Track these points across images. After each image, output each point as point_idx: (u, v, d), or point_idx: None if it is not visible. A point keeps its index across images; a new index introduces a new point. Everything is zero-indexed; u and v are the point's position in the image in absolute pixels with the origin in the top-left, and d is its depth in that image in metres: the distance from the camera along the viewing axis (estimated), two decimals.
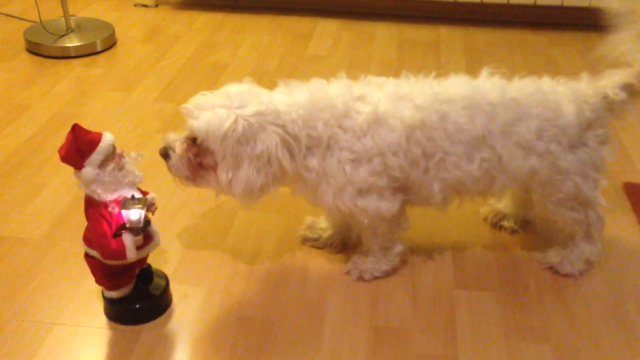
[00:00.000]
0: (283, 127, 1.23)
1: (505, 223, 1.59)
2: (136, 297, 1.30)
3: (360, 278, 1.41)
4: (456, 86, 1.32)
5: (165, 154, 1.29)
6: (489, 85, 1.32)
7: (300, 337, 1.28)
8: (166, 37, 2.69)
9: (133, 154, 1.23)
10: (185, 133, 1.26)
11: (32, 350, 1.24)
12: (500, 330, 1.30)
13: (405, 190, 1.33)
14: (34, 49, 2.50)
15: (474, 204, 1.62)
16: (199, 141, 1.23)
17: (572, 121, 1.31)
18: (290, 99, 1.27)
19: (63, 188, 1.71)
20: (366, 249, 1.42)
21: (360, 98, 1.28)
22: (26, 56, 2.49)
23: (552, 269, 1.46)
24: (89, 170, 1.17)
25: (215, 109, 1.21)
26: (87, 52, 2.50)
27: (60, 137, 1.93)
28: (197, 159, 1.26)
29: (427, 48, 2.64)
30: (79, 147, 1.15)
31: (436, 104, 1.28)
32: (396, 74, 1.36)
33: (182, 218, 1.62)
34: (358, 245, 1.50)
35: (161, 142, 1.30)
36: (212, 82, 2.32)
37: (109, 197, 1.19)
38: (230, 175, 1.22)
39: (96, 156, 1.17)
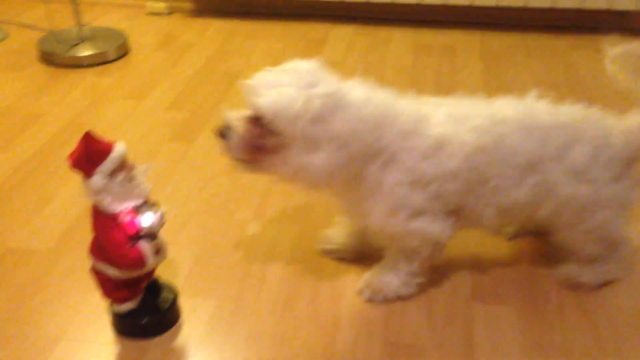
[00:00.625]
0: (350, 121, 1.15)
1: (506, 227, 1.54)
2: (144, 311, 1.26)
3: (372, 299, 1.35)
4: (509, 107, 1.28)
5: (223, 133, 1.18)
6: (542, 107, 1.28)
7: (313, 353, 1.24)
8: (179, 45, 2.67)
9: (143, 167, 1.20)
10: (247, 112, 1.16)
11: None
12: (520, 347, 1.25)
13: (458, 214, 1.28)
14: (47, 59, 2.49)
15: None
16: (264, 121, 1.13)
17: (620, 152, 1.26)
18: (365, 94, 1.19)
19: (72, 199, 1.69)
20: (388, 268, 1.35)
21: (424, 118, 1.23)
22: (39, 66, 2.48)
23: (573, 286, 1.40)
24: (98, 179, 1.14)
25: (283, 87, 1.12)
26: (99, 61, 2.49)
27: (71, 146, 1.90)
28: (259, 141, 1.17)
29: (443, 53, 2.59)
30: (89, 155, 1.12)
31: (492, 126, 1.24)
32: (411, 80, 1.32)
33: (191, 229, 1.58)
34: (374, 257, 1.45)
35: (219, 120, 1.19)
36: (225, 90, 2.29)
37: (117, 207, 1.16)
38: (304, 158, 1.15)
39: (107, 165, 1.13)
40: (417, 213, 1.23)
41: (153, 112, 2.15)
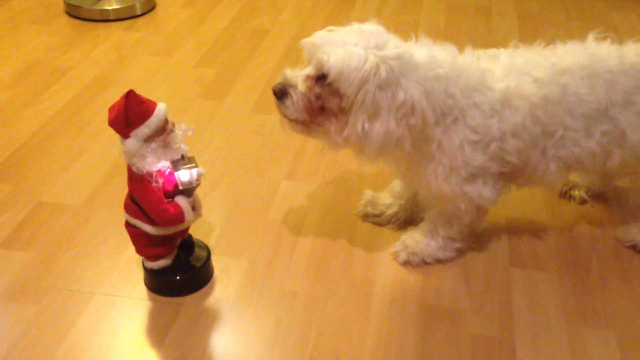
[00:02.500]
0: (422, 84, 1.09)
1: (576, 192, 1.49)
2: (177, 269, 1.25)
3: (408, 262, 1.32)
4: (571, 54, 1.21)
5: (282, 91, 1.12)
6: (605, 52, 1.22)
7: (347, 314, 1.22)
8: (206, 1, 2.61)
9: (184, 126, 1.16)
10: (309, 69, 1.10)
11: (72, 319, 1.21)
12: (561, 314, 1.22)
13: (514, 174, 1.24)
14: (73, 12, 2.45)
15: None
16: (329, 80, 1.07)
17: None
18: (430, 54, 1.13)
19: (102, 154, 1.67)
20: (427, 231, 1.32)
21: (486, 72, 1.17)
22: (65, 19, 2.45)
23: (635, 249, 1.36)
24: (132, 142, 1.10)
25: (349, 46, 1.07)
26: (126, 16, 2.44)
27: (99, 101, 1.88)
28: (319, 102, 1.11)
29: (478, 13, 2.50)
30: (129, 115, 1.09)
31: (555, 75, 1.18)
32: (445, 40, 1.26)
33: (224, 188, 1.56)
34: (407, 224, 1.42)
35: (278, 78, 1.14)
36: (253, 48, 2.24)
37: (151, 169, 1.13)
38: (366, 125, 1.08)
39: (144, 130, 1.09)
40: (475, 174, 1.19)
41: (181, 69, 2.11)
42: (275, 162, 1.65)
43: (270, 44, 2.27)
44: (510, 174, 1.24)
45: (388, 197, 1.43)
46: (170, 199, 1.14)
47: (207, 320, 1.21)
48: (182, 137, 1.17)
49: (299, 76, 1.13)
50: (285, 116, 1.16)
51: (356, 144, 1.12)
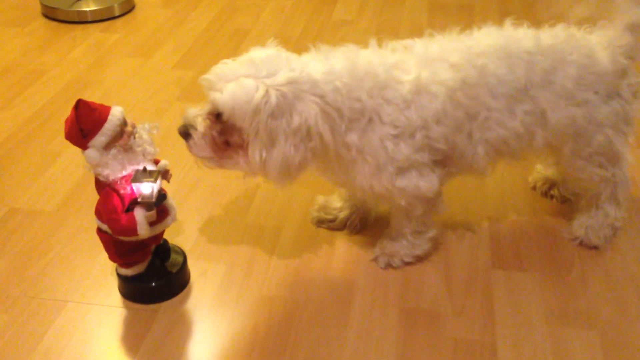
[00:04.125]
0: (322, 97, 1.09)
1: (555, 191, 1.48)
2: (152, 275, 1.22)
3: (389, 265, 1.31)
4: (487, 37, 1.22)
5: (185, 132, 1.14)
6: (521, 34, 1.23)
7: (327, 319, 1.20)
8: (186, 1, 2.58)
9: (147, 126, 1.13)
10: (207, 107, 1.12)
11: (44, 328, 1.17)
12: (542, 315, 1.20)
13: (445, 162, 1.22)
14: (50, 14, 2.41)
15: (510, 172, 1.52)
16: (224, 117, 1.09)
17: (608, 68, 1.22)
18: (327, 66, 1.12)
19: (77, 158, 1.62)
20: (395, 232, 1.31)
21: (396, 65, 1.16)
22: (42, 21, 2.40)
23: (581, 244, 1.36)
24: (91, 153, 1.07)
25: (241, 79, 1.07)
26: (104, 17, 2.41)
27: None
28: (222, 137, 1.12)
29: (460, 12, 2.49)
30: (82, 126, 1.06)
31: (472, 58, 1.17)
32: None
33: (201, 191, 1.53)
34: (379, 225, 1.40)
35: (180, 120, 1.15)
36: (234, 48, 2.21)
37: (116, 176, 1.10)
38: (264, 154, 1.08)
39: (100, 138, 1.07)
40: (404, 169, 1.17)
41: (160, 70, 2.08)
42: None
43: (252, 44, 2.20)
44: (442, 162, 1.23)
45: (338, 200, 1.42)
46: (129, 209, 1.10)
47: (184, 327, 1.19)
48: (151, 138, 1.15)
49: (199, 115, 1.13)
50: (194, 155, 1.16)
51: (260, 172, 1.12)
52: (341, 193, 1.42)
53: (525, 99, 1.20)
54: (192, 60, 2.14)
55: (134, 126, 1.11)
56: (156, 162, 1.16)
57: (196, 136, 1.13)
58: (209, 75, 1.10)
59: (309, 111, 1.07)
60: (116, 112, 1.08)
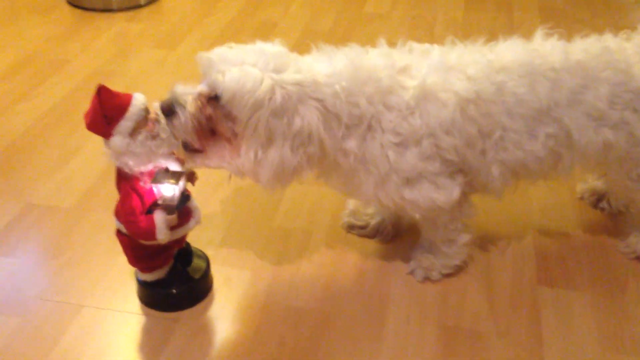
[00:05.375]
0: (322, 101, 1.01)
1: (605, 204, 1.38)
2: (173, 281, 1.14)
3: (427, 278, 1.22)
4: (511, 51, 1.11)
5: (169, 109, 1.00)
6: (549, 48, 1.11)
7: (359, 333, 1.11)
8: None
9: None
10: (202, 88, 1.00)
11: (57, 334, 1.10)
12: (595, 339, 1.10)
13: (464, 172, 1.12)
14: (75, 1, 2.35)
15: (557, 182, 1.41)
16: (222, 101, 0.98)
17: None
18: (330, 67, 1.03)
19: (98, 152, 1.55)
20: (427, 242, 1.22)
21: (404, 70, 1.07)
22: (67, 8, 2.34)
23: (639, 259, 1.25)
24: (118, 139, 1.00)
25: (246, 66, 0.98)
26: (129, 5, 2.34)
27: None
28: (211, 124, 1.01)
29: (498, 7, 2.38)
30: (105, 112, 0.99)
31: (491, 73, 1.08)
32: (463, 37, 1.15)
33: (226, 192, 1.45)
34: (412, 233, 1.31)
35: (166, 93, 1.03)
36: (260, 41, 2.12)
37: (142, 168, 1.03)
38: (260, 154, 1.00)
39: (125, 123, 1.00)
40: (413, 179, 1.08)
41: (185, 62, 2.00)
42: None
43: (279, 37, 2.15)
44: (461, 171, 1.13)
45: (369, 206, 1.33)
46: (149, 212, 1.03)
47: (205, 337, 1.11)
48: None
49: (189, 94, 1.01)
50: (174, 136, 1.04)
51: (251, 173, 1.03)
52: None
53: (547, 120, 1.10)
54: None
55: (157, 114, 1.04)
56: (182, 161, 1.08)
57: (183, 116, 0.99)
58: (211, 55, 1.00)
59: (311, 116, 0.99)
60: (139, 97, 1.02)
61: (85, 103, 1.76)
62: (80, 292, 1.18)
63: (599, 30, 2.20)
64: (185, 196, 1.07)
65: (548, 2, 2.41)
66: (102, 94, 0.99)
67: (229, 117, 0.99)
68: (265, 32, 2.18)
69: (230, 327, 1.13)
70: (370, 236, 1.32)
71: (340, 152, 1.05)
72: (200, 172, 1.13)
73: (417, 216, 1.13)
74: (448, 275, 1.22)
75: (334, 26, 2.25)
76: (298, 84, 0.99)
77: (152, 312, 1.15)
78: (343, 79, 1.02)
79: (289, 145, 0.99)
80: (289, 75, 0.98)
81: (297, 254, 1.28)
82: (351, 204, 1.35)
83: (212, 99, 0.99)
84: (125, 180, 1.04)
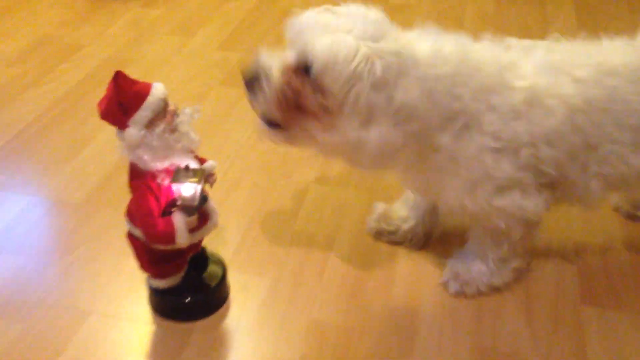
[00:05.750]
0: (422, 81, 0.90)
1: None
2: (187, 288, 1.06)
3: (461, 292, 1.12)
4: (619, 53, 1.01)
5: (253, 81, 0.92)
6: None
7: (387, 351, 1.02)
8: None
9: (188, 110, 0.97)
10: (289, 58, 0.91)
11: (62, 342, 1.03)
12: None
13: (553, 185, 1.03)
14: None
15: None
16: (312, 72, 0.88)
17: None
18: (434, 49, 0.93)
19: (111, 144, 1.48)
20: (473, 254, 1.13)
21: (509, 67, 0.97)
22: None
23: None
24: (133, 131, 0.92)
25: (340, 34, 0.87)
26: None
27: None
28: (301, 99, 0.90)
29: (531, 1, 2.27)
30: (122, 101, 0.90)
31: (602, 76, 0.98)
32: (494, 31, 1.05)
33: (244, 191, 1.36)
34: (445, 241, 1.22)
35: (250, 63, 0.93)
36: (282, 31, 2.02)
37: (157, 165, 0.94)
38: (357, 132, 0.89)
39: (143, 113, 0.92)
40: (505, 187, 0.99)
41: (203, 51, 1.92)
42: (304, 162, 1.45)
43: None
44: (550, 184, 1.03)
45: (403, 208, 1.23)
46: (166, 213, 0.95)
47: (221, 350, 1.03)
48: (190, 124, 0.98)
49: (277, 64, 0.91)
50: (258, 114, 0.96)
51: (348, 152, 0.93)
52: (407, 199, 1.23)
53: None
54: (237, 42, 1.97)
55: (176, 106, 0.96)
56: (202, 161, 0.99)
57: (268, 88, 0.91)
58: (302, 20, 0.91)
59: (413, 90, 0.89)
60: (159, 86, 0.94)
61: (98, 91, 1.67)
62: (88, 297, 1.10)
63: (637, 27, 2.08)
64: (203, 197, 0.98)
65: None
66: (119, 80, 0.90)
67: (320, 90, 0.89)
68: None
69: (247, 341, 1.04)
70: (401, 242, 1.22)
71: (430, 147, 0.95)
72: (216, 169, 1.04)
73: (502, 225, 1.02)
74: (484, 294, 1.13)
75: None
76: (398, 53, 0.88)
77: (164, 321, 1.07)
78: (448, 65, 0.91)
79: (391, 122, 0.89)
80: (389, 44, 0.88)
81: (320, 261, 1.19)
82: (380, 206, 1.25)
83: (301, 69, 0.89)
84: (139, 177, 0.96)
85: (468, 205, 0.99)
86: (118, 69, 0.92)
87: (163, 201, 0.94)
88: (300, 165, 1.44)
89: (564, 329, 1.07)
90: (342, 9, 0.92)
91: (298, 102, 0.91)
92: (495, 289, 1.12)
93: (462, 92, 0.92)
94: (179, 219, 0.94)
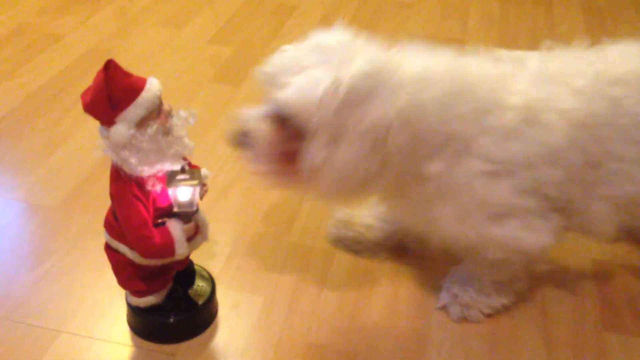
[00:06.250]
0: (401, 109, 0.82)
1: None
2: (171, 307, 0.95)
3: (463, 317, 1.02)
4: (624, 59, 0.92)
5: (241, 140, 0.89)
6: None
7: None
8: None
9: (183, 113, 0.86)
10: (268, 108, 0.86)
11: None
12: None
13: (562, 212, 0.93)
14: None
15: None
16: (290, 121, 0.83)
17: None
18: (420, 67, 0.85)
19: (90, 142, 1.37)
20: (468, 275, 1.03)
21: (501, 83, 0.88)
22: None
23: None
24: (122, 129, 0.80)
25: (309, 70, 0.81)
26: None
27: (92, 77, 1.58)
28: (289, 145, 0.86)
29: (537, 3, 2.18)
30: (111, 93, 0.79)
31: (603, 86, 0.89)
32: (499, 33, 0.97)
33: (235, 198, 1.25)
34: (447, 254, 1.11)
35: (232, 124, 0.89)
36: (278, 25, 1.93)
37: (144, 170, 0.83)
38: (323, 154, 0.82)
39: (135, 110, 0.80)
40: (501, 215, 0.89)
41: (193, 44, 1.81)
42: None
43: (297, 22, 1.96)
44: (557, 209, 0.93)
45: (367, 216, 1.14)
46: (161, 222, 0.84)
47: None
48: (186, 129, 0.87)
49: (257, 117, 0.87)
50: (253, 169, 0.90)
51: (309, 178, 0.86)
52: (377, 208, 1.14)
53: None
54: (230, 36, 1.86)
55: (170, 106, 0.85)
56: (193, 167, 0.88)
57: (258, 145, 0.87)
58: (268, 68, 0.85)
59: (386, 106, 0.81)
60: (154, 82, 0.83)
61: (78, 85, 1.56)
62: (59, 314, 0.99)
63: None
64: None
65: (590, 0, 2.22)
66: (111, 71, 0.79)
67: (304, 133, 0.83)
68: (282, 16, 1.98)
69: None
70: (363, 251, 1.12)
71: (417, 176, 0.86)
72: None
73: (500, 257, 0.94)
74: (494, 316, 1.03)
75: (358, 13, 2.05)
76: (370, 73, 0.81)
77: (145, 343, 0.96)
78: (436, 87, 0.83)
79: (359, 145, 0.81)
80: (358, 65, 0.81)
81: (318, 277, 1.09)
82: (341, 213, 1.15)
83: (281, 117, 0.84)
84: (122, 183, 0.84)
85: (460, 235, 0.90)
86: (100, 61, 0.81)
87: (151, 209, 0.84)
88: None
89: (585, 357, 0.97)
90: (306, 42, 0.86)
91: (288, 149, 0.85)
92: (501, 310, 1.03)
93: (451, 117, 0.84)
94: (175, 228, 0.85)
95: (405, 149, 0.83)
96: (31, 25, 1.83)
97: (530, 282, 1.05)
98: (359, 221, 1.14)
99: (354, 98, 0.80)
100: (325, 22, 1.95)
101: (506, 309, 1.03)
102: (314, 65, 0.82)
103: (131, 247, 0.86)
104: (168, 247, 0.84)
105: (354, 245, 1.13)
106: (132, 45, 1.78)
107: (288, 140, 0.85)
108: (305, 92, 0.80)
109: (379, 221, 1.13)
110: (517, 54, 0.95)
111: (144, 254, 0.85)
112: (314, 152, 0.82)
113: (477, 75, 0.88)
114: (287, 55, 0.85)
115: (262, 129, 0.86)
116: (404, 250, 1.13)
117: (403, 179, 0.88)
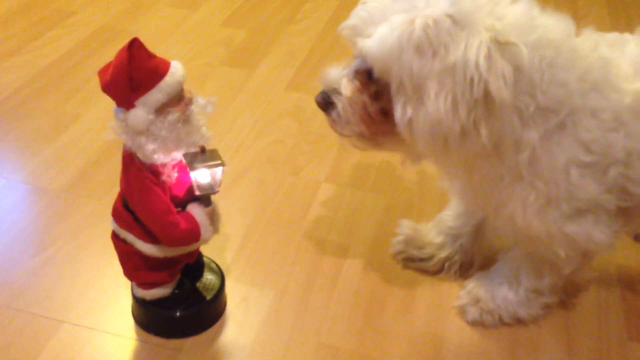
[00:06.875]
0: (511, 47, 0.73)
1: None
2: (178, 300, 0.91)
3: (479, 321, 0.97)
4: None
5: (325, 102, 0.83)
6: None
7: None
8: None
9: (201, 101, 0.82)
10: (355, 63, 0.82)
11: (28, 354, 0.88)
12: None
13: (631, 213, 0.88)
14: None
15: None
16: (375, 73, 0.77)
17: None
18: (530, 13, 0.76)
19: (99, 123, 1.33)
20: (500, 278, 0.98)
21: (613, 64, 0.81)
22: None
23: None
24: (141, 114, 0.76)
25: (393, 17, 0.75)
26: None
27: (103, 56, 1.53)
28: (378, 104, 0.80)
29: None
30: (133, 74, 0.74)
31: None
32: None
33: (247, 187, 1.21)
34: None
35: (318, 85, 0.84)
36: (294, 9, 1.88)
37: (159, 158, 0.79)
38: (409, 112, 0.75)
39: (156, 95, 0.76)
40: (582, 211, 0.84)
41: (206, 26, 1.76)
42: (314, 157, 1.30)
43: (314, 6, 1.90)
44: (626, 211, 0.88)
45: (437, 234, 1.07)
46: (179, 208, 0.81)
47: None
48: (205, 117, 0.84)
49: (343, 76, 0.82)
50: (341, 133, 0.85)
51: (408, 139, 0.78)
52: (444, 222, 1.07)
53: None
54: (244, 18, 1.81)
55: (191, 93, 0.81)
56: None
57: (342, 104, 0.81)
58: (352, 20, 0.79)
59: (472, 41, 0.71)
60: (178, 66, 0.79)
61: (88, 63, 1.51)
62: (62, 303, 0.95)
63: None
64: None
65: None
66: (135, 49, 0.74)
67: (385, 90, 0.77)
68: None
69: None
70: (434, 271, 1.06)
71: (514, 142, 0.78)
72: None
73: (562, 255, 0.87)
74: (513, 325, 0.98)
75: None
76: (451, 15, 0.73)
77: (150, 337, 0.92)
78: (557, 34, 0.76)
79: (446, 91, 0.72)
80: (443, 4, 0.74)
81: (331, 273, 1.05)
82: (406, 226, 1.09)
83: (369, 71, 0.79)
84: (138, 170, 0.80)
85: (534, 227, 0.84)
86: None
87: (177, 193, 0.82)
88: (311, 160, 1.29)
89: None
90: None
91: (377, 107, 0.80)
92: (518, 321, 0.98)
93: (568, 78, 0.76)
94: (199, 212, 0.82)
95: (505, 104, 0.73)
96: (41, 1, 1.78)
97: (559, 300, 1.00)
98: (428, 239, 1.07)
99: (434, 36, 0.72)
100: (343, 7, 1.89)
101: (530, 321, 0.99)
102: (400, 11, 0.75)
103: (147, 238, 0.82)
104: (194, 232, 0.82)
105: (423, 265, 1.06)
106: (144, 24, 1.73)
107: (378, 98, 0.79)
108: (384, 39, 0.74)
109: (448, 237, 1.06)
110: (613, 36, 0.87)
111: (170, 242, 0.82)
112: (398, 110, 0.76)
113: (584, 47, 0.81)
114: (372, 5, 0.79)
115: (349, 86, 0.81)
116: (470, 266, 1.07)
117: (496, 142, 0.77)
